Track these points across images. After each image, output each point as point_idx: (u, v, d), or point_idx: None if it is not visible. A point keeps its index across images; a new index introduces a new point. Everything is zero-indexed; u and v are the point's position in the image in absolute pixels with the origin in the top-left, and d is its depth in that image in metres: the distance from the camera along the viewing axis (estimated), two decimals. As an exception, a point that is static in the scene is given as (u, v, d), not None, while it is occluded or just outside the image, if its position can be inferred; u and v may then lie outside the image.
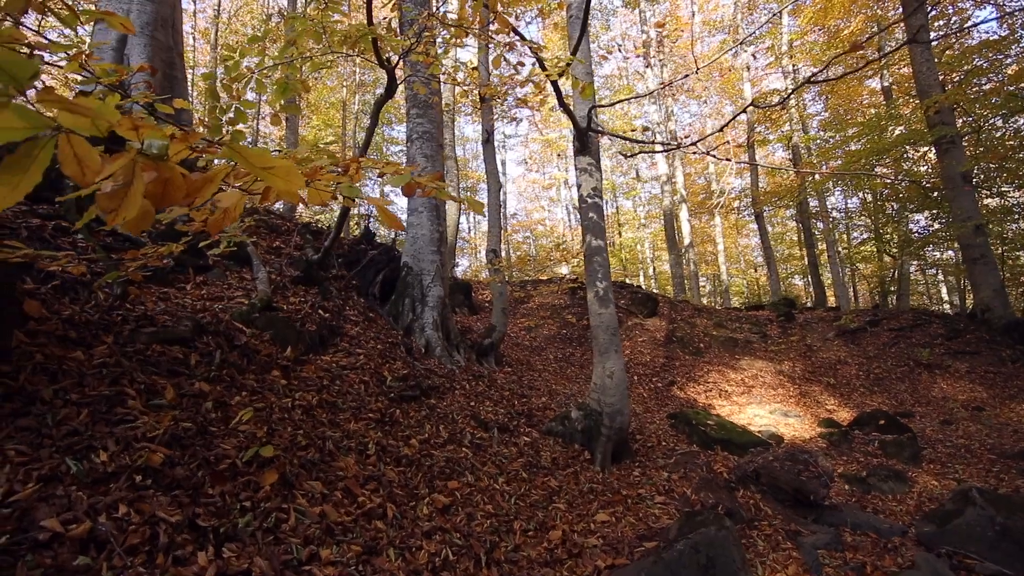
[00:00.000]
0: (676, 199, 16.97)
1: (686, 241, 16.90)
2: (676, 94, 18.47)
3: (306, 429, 2.75)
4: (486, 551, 2.64)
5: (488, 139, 6.64)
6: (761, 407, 7.40)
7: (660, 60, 17.06)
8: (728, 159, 4.15)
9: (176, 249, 2.22)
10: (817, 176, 12.88)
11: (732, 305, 18.88)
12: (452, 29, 3.21)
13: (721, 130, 3.45)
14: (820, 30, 15.25)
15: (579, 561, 2.87)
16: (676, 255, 16.25)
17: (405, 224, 5.49)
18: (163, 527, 1.69)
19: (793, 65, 15.60)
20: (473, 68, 7.29)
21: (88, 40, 5.43)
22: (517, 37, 3.42)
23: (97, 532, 1.55)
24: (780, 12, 12.34)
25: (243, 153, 0.84)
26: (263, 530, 1.95)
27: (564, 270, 18.69)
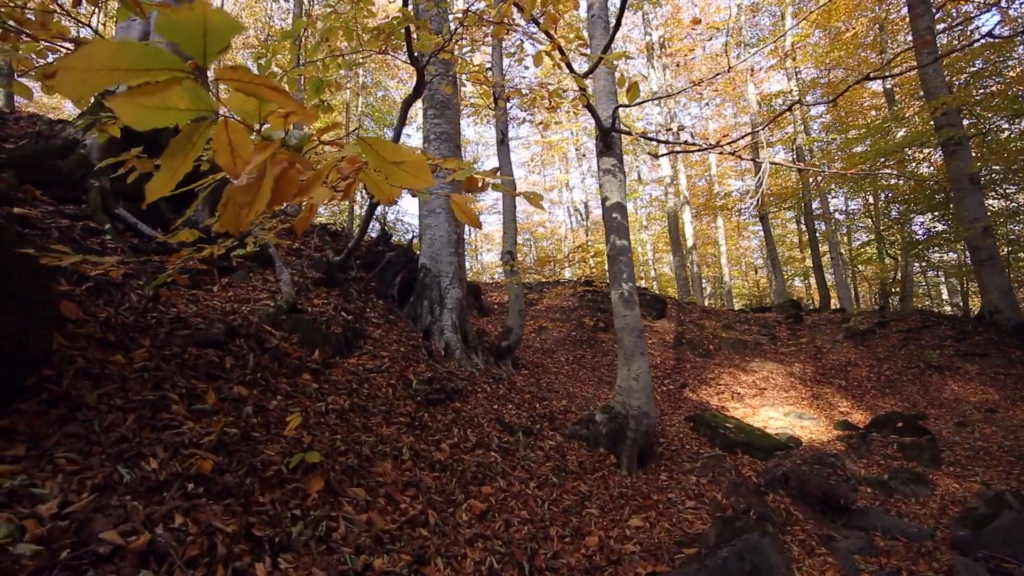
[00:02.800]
0: (679, 201, 16.97)
1: (689, 243, 16.89)
2: (678, 96, 18.51)
3: (343, 434, 2.69)
4: (528, 558, 2.58)
5: (503, 140, 6.60)
6: (775, 409, 7.36)
7: (662, 63, 17.12)
8: (754, 159, 4.11)
9: (217, 252, 2.16)
10: (820, 179, 12.89)
11: (734, 307, 18.88)
12: (493, 27, 3.17)
13: (767, 127, 3.43)
14: (823, 32, 15.31)
15: (619, 568, 2.82)
16: (680, 257, 16.23)
17: (422, 225, 5.43)
18: (220, 537, 1.62)
19: (796, 68, 15.64)
20: (488, 68, 7.26)
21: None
22: (544, 36, 3.38)
23: (156, 544, 1.49)
24: (794, 25, 12.35)
25: (375, 147, 0.80)
26: (315, 539, 1.89)
27: (567, 273, 18.66)
